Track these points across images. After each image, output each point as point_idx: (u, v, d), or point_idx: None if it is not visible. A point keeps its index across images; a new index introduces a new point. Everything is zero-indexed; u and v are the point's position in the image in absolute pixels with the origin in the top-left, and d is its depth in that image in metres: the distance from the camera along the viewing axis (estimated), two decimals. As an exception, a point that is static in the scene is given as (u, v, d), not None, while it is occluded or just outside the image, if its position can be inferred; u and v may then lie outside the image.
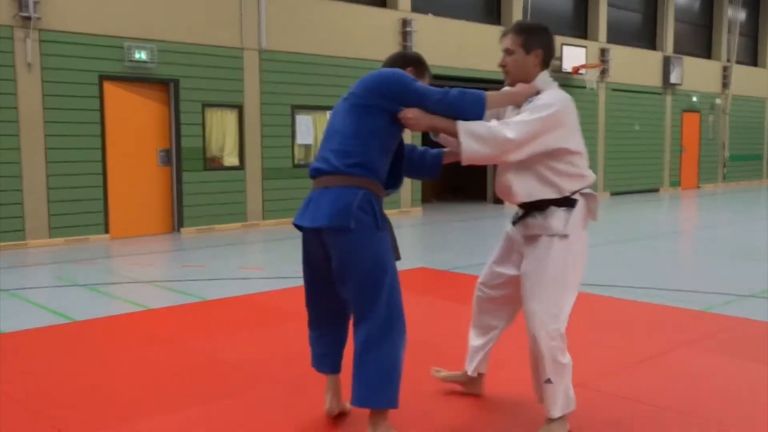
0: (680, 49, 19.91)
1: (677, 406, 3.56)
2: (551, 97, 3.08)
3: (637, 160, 18.64)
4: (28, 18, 9.25)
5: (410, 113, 3.02)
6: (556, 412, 3.09)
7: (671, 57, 19.10)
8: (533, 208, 3.13)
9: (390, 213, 13.21)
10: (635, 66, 18.28)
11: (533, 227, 3.14)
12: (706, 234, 11.11)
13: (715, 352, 4.48)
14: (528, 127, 2.96)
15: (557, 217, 3.08)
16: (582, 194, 3.14)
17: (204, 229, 11.11)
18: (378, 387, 2.99)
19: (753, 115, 22.71)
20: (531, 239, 3.16)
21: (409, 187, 13.67)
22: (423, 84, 3.12)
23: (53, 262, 8.43)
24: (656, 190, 19.30)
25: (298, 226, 3.11)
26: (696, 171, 20.76)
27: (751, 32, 22.77)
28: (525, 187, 3.12)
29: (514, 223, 3.28)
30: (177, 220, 11.00)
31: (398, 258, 3.14)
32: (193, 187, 11.00)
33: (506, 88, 3.22)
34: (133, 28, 10.21)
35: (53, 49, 9.55)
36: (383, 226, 3.05)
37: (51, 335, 5.03)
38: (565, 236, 3.07)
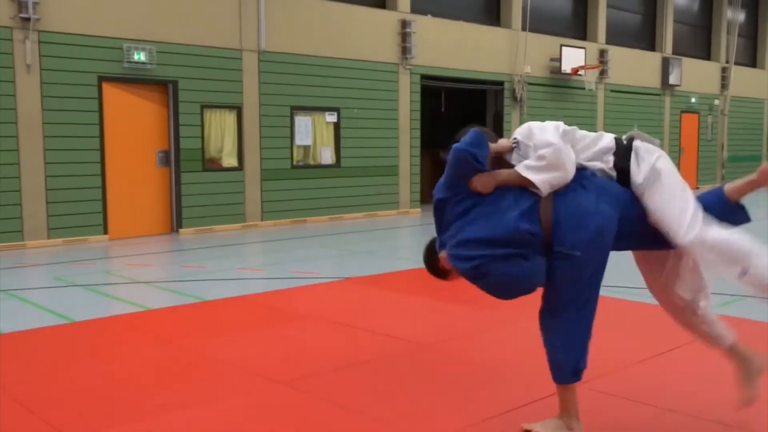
0: (679, 50, 19.92)
1: (677, 406, 3.56)
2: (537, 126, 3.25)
3: (636, 161, 18.61)
4: (27, 19, 9.24)
5: (473, 182, 3.08)
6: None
7: (670, 58, 19.11)
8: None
9: (389, 214, 13.27)
10: (634, 67, 18.29)
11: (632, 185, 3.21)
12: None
13: (715, 352, 4.47)
14: (552, 131, 3.15)
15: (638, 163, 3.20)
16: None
17: (203, 230, 11.10)
18: None
19: (752, 116, 22.72)
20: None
21: (408, 188, 13.68)
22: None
23: (52, 263, 8.42)
24: (655, 191, 19.30)
25: None
26: (695, 172, 20.76)
27: (750, 33, 22.79)
28: None
29: None
30: (176, 221, 10.99)
31: None
32: (191, 188, 10.99)
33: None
34: (132, 29, 10.21)
35: (52, 51, 9.55)
36: None
37: (50, 336, 5.03)
38: (660, 157, 3.19)
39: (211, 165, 11.29)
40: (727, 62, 21.34)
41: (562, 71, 15.96)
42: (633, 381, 3.91)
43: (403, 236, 11.15)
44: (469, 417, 3.43)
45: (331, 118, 12.60)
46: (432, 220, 3.30)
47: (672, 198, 3.11)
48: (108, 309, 5.97)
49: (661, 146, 3.29)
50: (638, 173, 3.18)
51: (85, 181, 9.92)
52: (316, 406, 3.58)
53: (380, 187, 13.31)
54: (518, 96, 15.30)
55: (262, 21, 11.50)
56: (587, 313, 3.11)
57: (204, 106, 11.07)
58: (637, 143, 3.25)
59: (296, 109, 12.14)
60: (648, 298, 6.06)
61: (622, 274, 6.81)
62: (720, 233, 3.08)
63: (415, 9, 13.73)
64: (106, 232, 10.17)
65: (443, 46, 14.04)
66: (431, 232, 3.33)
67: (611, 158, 3.22)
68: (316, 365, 4.22)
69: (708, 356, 4.38)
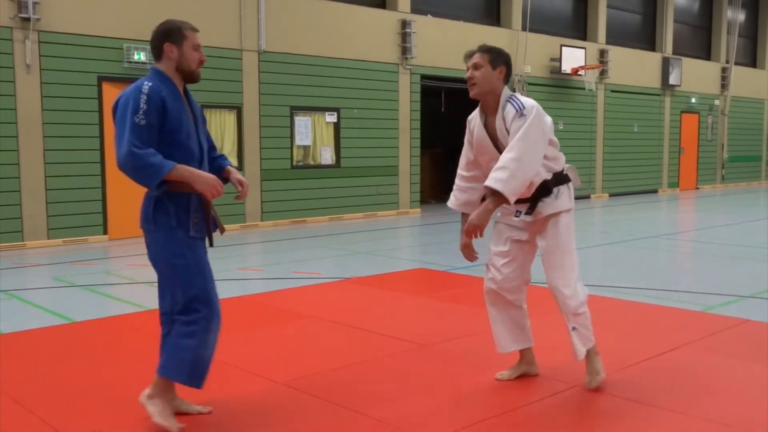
0: (679, 50, 19.93)
1: (677, 406, 3.55)
2: (526, 102, 3.49)
3: (635, 161, 18.65)
4: (28, 19, 9.24)
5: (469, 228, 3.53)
6: (581, 355, 3.70)
7: (670, 58, 19.11)
8: (540, 194, 3.61)
9: (388, 214, 13.27)
10: (634, 67, 18.30)
11: (546, 208, 3.62)
12: (705, 235, 11.11)
13: (715, 352, 4.47)
14: (525, 140, 3.41)
15: (563, 195, 3.64)
16: (566, 169, 3.73)
17: (203, 230, 11.09)
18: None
19: (752, 116, 22.72)
20: (542, 221, 3.66)
21: (407, 188, 13.67)
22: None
23: (52, 263, 8.42)
24: (655, 191, 19.31)
25: None
26: (695, 172, 20.77)
27: (750, 33, 22.79)
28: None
29: (525, 213, 3.67)
30: (176, 221, 10.98)
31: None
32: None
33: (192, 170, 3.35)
34: (132, 29, 10.21)
35: (52, 51, 9.55)
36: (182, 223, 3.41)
37: (50, 336, 5.03)
38: (568, 210, 3.66)
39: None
40: (727, 62, 21.34)
41: (562, 71, 15.97)
42: (633, 381, 3.91)
43: (403, 236, 11.14)
44: (468, 417, 3.43)
45: (331, 118, 12.61)
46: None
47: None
48: (108, 309, 5.97)
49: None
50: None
51: (85, 181, 9.92)
52: (316, 406, 3.58)
53: (380, 187, 13.31)
54: (518, 96, 15.29)
55: (262, 21, 11.51)
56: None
57: (204, 106, 11.06)
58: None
59: (296, 109, 12.14)
60: (647, 299, 6.08)
61: (621, 274, 6.81)
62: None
63: (415, 9, 13.74)
64: (106, 232, 10.17)
65: (443, 46, 14.04)
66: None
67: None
68: (316, 365, 4.22)
69: (707, 356, 4.38)
